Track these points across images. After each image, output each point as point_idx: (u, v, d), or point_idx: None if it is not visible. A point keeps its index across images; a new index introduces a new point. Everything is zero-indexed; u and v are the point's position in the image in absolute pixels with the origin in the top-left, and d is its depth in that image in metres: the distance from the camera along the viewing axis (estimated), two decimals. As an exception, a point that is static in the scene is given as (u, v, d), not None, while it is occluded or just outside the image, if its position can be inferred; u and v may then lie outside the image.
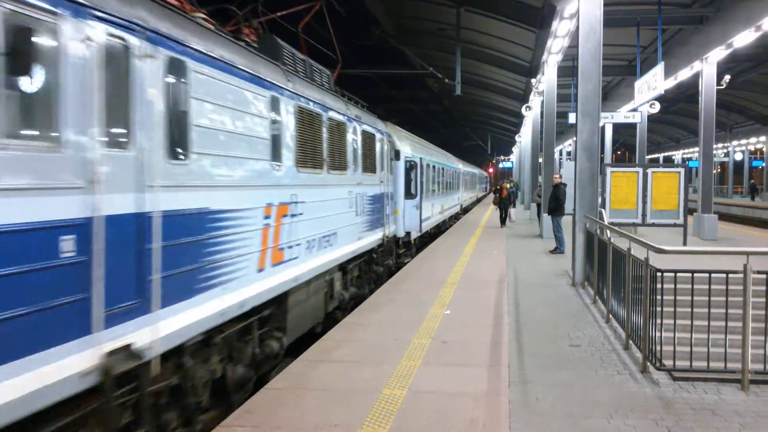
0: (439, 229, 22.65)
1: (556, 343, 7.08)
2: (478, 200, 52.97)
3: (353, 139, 10.15)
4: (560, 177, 15.95)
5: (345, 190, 9.52)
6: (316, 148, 8.19)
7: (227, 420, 4.93)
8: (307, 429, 4.71)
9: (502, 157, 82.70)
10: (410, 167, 15.75)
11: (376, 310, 8.78)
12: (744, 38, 13.93)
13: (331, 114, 8.91)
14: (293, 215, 7.17)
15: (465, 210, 36.02)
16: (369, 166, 11.35)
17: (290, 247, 7.12)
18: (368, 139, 11.35)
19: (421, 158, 16.81)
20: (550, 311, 8.68)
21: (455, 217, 29.21)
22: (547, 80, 19.92)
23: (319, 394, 5.43)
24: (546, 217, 17.07)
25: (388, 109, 35.13)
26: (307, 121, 7.79)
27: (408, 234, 15.66)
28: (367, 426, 4.71)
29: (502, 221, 23.35)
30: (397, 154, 14.93)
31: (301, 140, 7.52)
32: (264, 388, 5.65)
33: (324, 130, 8.51)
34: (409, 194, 15.57)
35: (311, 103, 8.03)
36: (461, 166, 34.23)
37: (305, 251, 7.66)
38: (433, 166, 20.51)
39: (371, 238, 11.57)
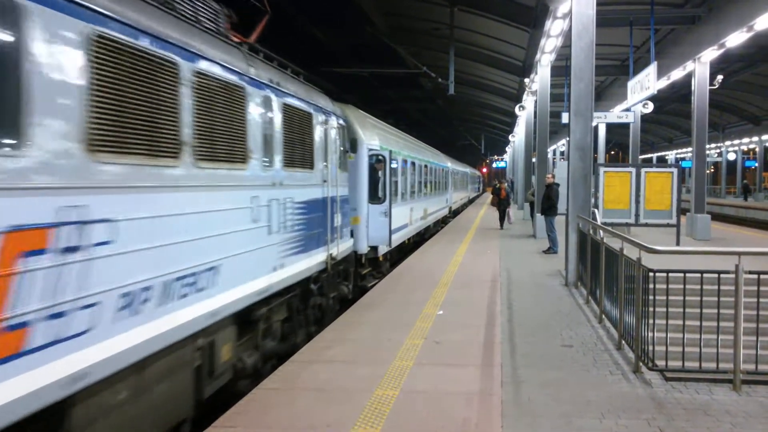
0: (423, 237, 20.21)
1: (549, 343, 7.08)
2: (470, 201, 52.79)
3: (264, 115, 6.73)
4: (553, 177, 15.99)
5: (241, 194, 6.12)
6: (159, 120, 4.67)
7: (219, 420, 4.90)
8: (298, 429, 4.69)
9: (496, 157, 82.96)
10: (377, 162, 12.55)
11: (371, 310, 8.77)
12: (736, 38, 14.01)
13: (205, 67, 5.42)
14: (74, 249, 3.71)
15: (455, 213, 34.03)
16: (301, 158, 7.97)
17: (56, 316, 3.55)
18: (299, 118, 7.93)
19: (391, 151, 13.32)
20: (542, 311, 8.68)
21: (443, 221, 27.06)
22: (540, 80, 20.01)
23: (312, 395, 5.41)
24: (539, 217, 17.08)
25: (381, 108, 35.13)
26: (127, 67, 4.28)
27: (374, 249, 12.43)
28: (360, 426, 4.69)
29: (501, 222, 22.18)
30: (353, 144, 11.64)
31: (105, 101, 4.03)
32: (256, 389, 5.62)
33: (185, 91, 5.04)
34: (375, 197, 12.32)
35: (145, 38, 4.49)
36: (450, 164, 31.98)
37: (118, 313, 4.10)
38: (413, 163, 17.69)
39: (305, 264, 8.09)
